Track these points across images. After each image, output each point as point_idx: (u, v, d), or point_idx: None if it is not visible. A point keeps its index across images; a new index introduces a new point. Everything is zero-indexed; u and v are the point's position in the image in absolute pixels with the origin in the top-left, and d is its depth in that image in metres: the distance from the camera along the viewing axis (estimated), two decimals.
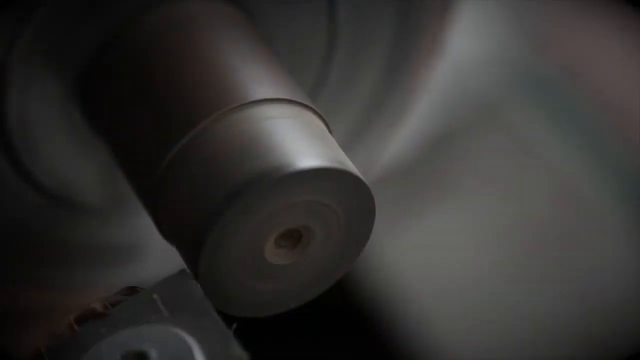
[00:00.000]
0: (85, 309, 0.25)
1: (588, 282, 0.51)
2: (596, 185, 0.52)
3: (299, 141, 0.26)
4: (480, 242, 0.52)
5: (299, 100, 0.27)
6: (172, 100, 0.28)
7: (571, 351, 0.50)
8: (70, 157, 0.31)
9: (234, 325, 0.25)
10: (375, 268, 0.51)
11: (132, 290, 0.26)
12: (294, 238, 0.26)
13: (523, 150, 0.54)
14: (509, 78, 0.55)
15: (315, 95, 0.32)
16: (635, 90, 0.54)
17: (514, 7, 0.56)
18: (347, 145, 0.32)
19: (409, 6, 0.33)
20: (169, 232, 0.27)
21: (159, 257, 0.34)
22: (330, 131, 0.27)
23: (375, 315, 0.50)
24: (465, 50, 0.52)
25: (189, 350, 0.24)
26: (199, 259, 0.25)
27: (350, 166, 0.26)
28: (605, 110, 0.53)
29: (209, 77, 0.28)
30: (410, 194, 0.52)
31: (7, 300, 0.34)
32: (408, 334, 0.50)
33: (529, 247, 0.52)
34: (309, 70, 0.33)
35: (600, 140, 0.53)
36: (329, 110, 0.29)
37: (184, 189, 0.26)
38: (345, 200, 0.26)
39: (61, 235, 0.33)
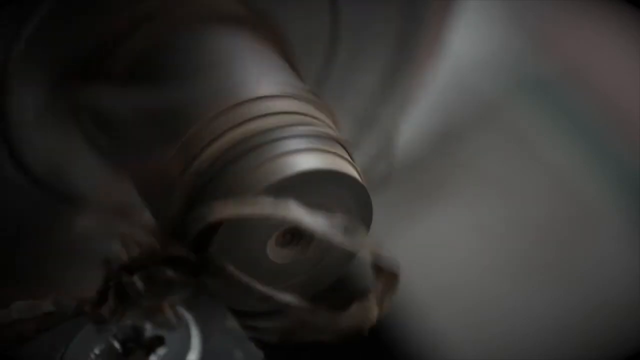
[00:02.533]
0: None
1: (588, 282, 0.51)
2: (596, 185, 0.52)
3: (300, 141, 0.26)
4: (480, 241, 0.52)
5: (304, 96, 0.27)
6: (174, 98, 0.28)
7: (571, 351, 0.50)
8: (70, 153, 0.31)
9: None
10: None
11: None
12: (295, 237, 0.26)
13: (523, 150, 0.54)
14: (509, 78, 0.55)
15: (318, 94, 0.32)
16: (636, 90, 0.54)
17: (514, 7, 0.56)
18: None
19: (411, 6, 0.33)
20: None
21: None
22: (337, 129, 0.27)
23: None
24: (465, 50, 0.52)
25: (185, 324, 0.24)
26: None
27: (347, 167, 0.26)
28: (605, 110, 0.53)
29: (210, 75, 0.28)
30: (411, 193, 0.52)
31: (4, 298, 0.34)
32: (408, 332, 0.50)
33: (529, 246, 0.52)
34: (310, 70, 0.33)
35: (600, 140, 0.53)
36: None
37: (186, 187, 0.26)
38: (344, 199, 0.26)
39: (60, 232, 0.33)
